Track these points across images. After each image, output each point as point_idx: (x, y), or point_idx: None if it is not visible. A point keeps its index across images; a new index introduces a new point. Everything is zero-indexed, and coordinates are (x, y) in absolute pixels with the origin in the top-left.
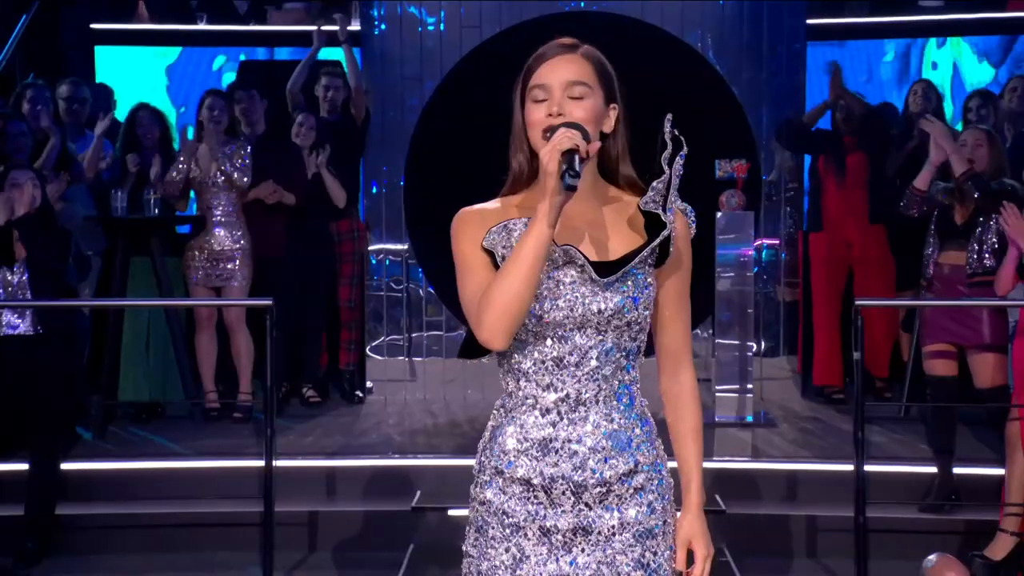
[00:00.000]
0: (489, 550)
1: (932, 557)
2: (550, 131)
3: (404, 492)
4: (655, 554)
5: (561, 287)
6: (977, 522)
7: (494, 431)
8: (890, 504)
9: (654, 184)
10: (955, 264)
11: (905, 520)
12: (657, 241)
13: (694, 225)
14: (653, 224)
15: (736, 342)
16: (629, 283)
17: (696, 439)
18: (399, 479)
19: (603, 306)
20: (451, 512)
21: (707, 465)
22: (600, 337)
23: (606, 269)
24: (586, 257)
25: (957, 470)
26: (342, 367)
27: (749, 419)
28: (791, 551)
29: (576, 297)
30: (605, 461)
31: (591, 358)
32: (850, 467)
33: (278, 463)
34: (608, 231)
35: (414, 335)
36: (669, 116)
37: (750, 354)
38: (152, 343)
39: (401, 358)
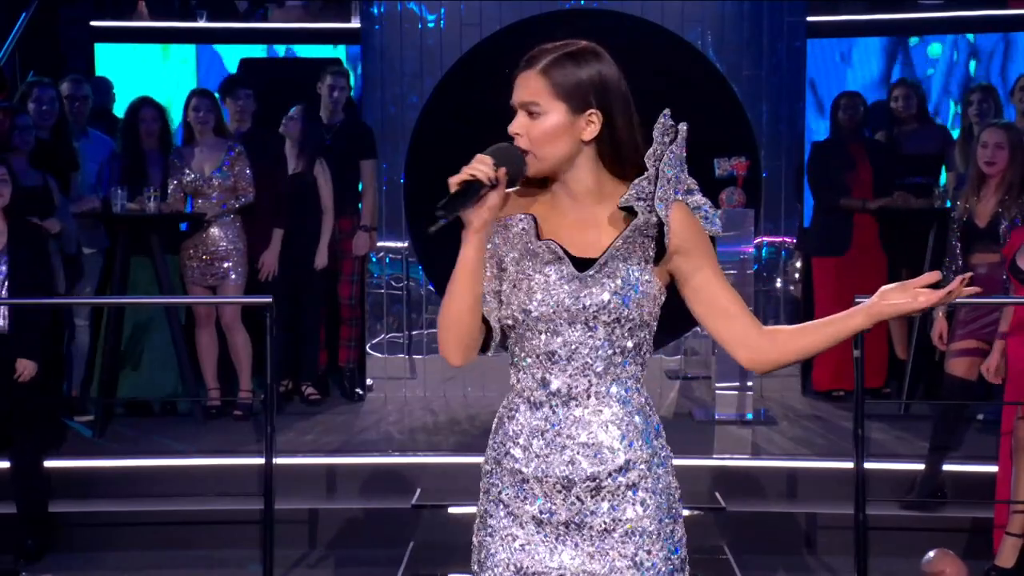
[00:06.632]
0: (487, 539)
1: (931, 554)
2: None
3: (404, 490)
4: (648, 553)
5: (548, 282)
6: (979, 519)
7: (498, 423)
8: (890, 501)
9: (636, 182)
10: (990, 263)
11: (905, 517)
12: (624, 232)
13: (708, 221)
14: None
15: None
16: (619, 279)
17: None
18: (399, 477)
19: (588, 301)
20: (451, 510)
21: (706, 463)
22: (590, 332)
23: (588, 264)
24: (566, 252)
25: (963, 467)
26: (342, 365)
27: (749, 416)
28: (791, 549)
29: (561, 292)
30: (595, 456)
31: (581, 353)
32: (850, 464)
33: (278, 460)
34: (598, 229)
35: (414, 333)
36: (667, 111)
37: None
38: (151, 341)
39: (401, 356)
